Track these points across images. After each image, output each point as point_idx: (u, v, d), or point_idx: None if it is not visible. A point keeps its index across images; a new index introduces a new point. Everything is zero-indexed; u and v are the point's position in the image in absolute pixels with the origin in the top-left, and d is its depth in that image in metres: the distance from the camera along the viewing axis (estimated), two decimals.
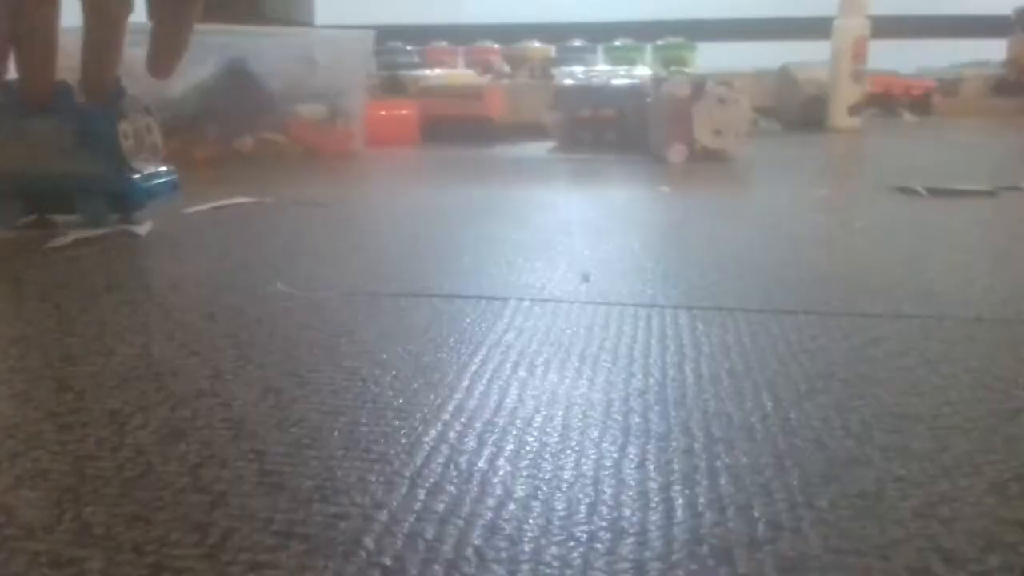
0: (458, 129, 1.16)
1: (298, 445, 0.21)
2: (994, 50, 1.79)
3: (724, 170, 0.78)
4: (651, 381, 0.25)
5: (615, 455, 0.20)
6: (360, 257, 0.43)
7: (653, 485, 0.19)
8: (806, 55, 1.37)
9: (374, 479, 0.19)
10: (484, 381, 0.25)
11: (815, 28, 1.41)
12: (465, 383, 0.25)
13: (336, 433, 0.22)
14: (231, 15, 1.16)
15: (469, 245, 0.45)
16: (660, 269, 0.39)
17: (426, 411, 0.23)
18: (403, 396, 0.24)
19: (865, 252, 0.42)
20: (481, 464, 0.20)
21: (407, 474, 0.19)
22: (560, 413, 0.23)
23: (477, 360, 0.27)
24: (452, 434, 0.21)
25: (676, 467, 0.20)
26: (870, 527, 0.17)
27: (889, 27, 1.45)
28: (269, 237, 0.48)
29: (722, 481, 0.19)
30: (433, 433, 0.22)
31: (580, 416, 0.23)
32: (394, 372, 0.26)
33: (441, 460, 0.20)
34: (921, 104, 1.54)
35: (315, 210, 0.57)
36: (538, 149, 1.05)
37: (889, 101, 1.53)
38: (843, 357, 0.27)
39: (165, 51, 0.47)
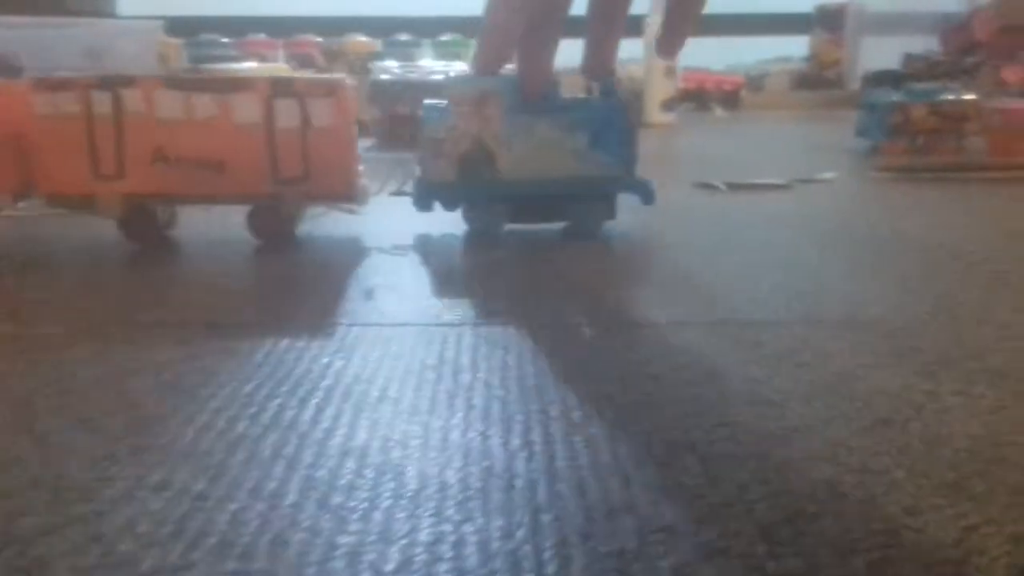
0: None
1: None
2: (796, 46, 1.92)
3: None
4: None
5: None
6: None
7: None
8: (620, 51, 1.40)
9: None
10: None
11: (628, 24, 1.44)
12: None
13: None
14: (30, 7, 1.04)
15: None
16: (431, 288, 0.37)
17: None
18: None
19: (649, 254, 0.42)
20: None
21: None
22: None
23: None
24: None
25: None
26: None
27: (701, 24, 1.51)
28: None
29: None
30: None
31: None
32: None
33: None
34: (731, 99, 1.62)
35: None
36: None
37: (702, 96, 1.60)
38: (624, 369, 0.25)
39: (679, 29, 0.45)
